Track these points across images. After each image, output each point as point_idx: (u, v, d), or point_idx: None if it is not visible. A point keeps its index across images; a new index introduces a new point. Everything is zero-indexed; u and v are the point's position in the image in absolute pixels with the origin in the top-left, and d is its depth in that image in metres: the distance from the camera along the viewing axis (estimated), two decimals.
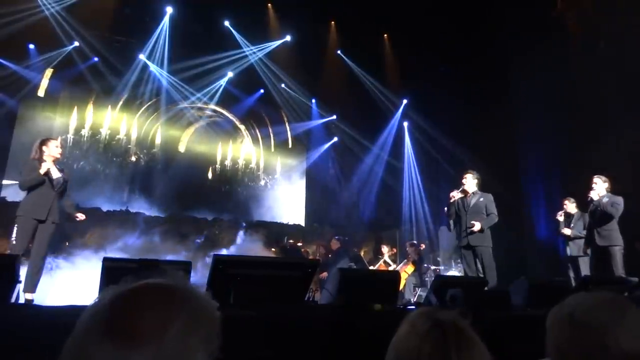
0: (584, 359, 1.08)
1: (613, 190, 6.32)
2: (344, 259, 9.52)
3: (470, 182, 6.24)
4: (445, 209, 7.04)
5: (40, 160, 5.08)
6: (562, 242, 7.43)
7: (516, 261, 8.68)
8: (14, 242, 4.86)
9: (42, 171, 4.98)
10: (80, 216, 5.57)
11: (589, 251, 6.52)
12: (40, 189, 5.02)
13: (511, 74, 10.71)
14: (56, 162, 5.25)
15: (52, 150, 5.20)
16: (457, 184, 6.53)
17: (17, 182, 5.13)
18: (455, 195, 6.36)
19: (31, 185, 4.97)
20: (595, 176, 6.37)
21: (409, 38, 11.35)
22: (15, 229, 4.91)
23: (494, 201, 6.22)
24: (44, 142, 5.21)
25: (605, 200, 6.18)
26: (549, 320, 1.18)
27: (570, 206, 7.27)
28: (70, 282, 6.78)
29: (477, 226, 5.93)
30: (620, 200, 6.13)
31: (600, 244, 6.13)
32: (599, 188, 6.31)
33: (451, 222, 7.06)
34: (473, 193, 6.22)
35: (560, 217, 7.29)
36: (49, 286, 6.46)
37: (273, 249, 10.52)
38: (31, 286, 4.75)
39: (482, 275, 5.80)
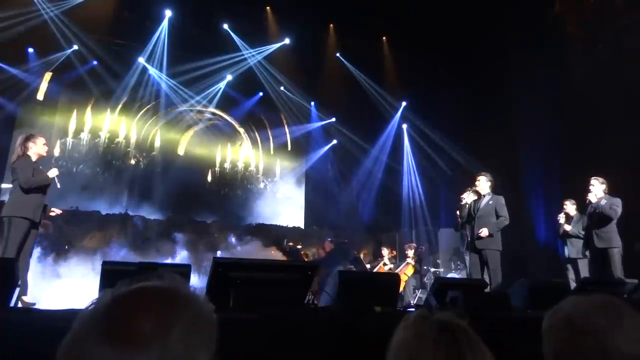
0: None
1: (612, 191, 6.31)
2: (338, 260, 9.50)
3: (483, 184, 6.18)
4: (457, 211, 7.01)
5: (26, 155, 4.96)
6: (561, 244, 7.42)
7: (516, 263, 8.66)
8: (6, 245, 4.66)
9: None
10: (57, 211, 5.38)
11: (587, 253, 6.51)
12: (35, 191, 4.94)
13: (510, 75, 10.72)
14: (41, 159, 5.18)
15: (40, 147, 5.09)
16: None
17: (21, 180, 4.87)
18: (466, 196, 6.29)
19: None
20: (593, 178, 6.34)
21: (408, 41, 11.37)
22: (9, 231, 4.71)
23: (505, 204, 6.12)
24: (29, 138, 5.08)
25: (603, 202, 6.15)
26: (545, 324, 1.17)
27: (570, 207, 7.21)
28: (69, 286, 6.79)
29: (484, 232, 5.85)
30: (618, 202, 6.11)
31: (598, 245, 6.10)
32: (597, 190, 6.28)
33: (459, 222, 7.03)
34: (484, 195, 6.17)
35: (562, 219, 7.27)
36: (48, 290, 6.47)
37: (272, 252, 10.51)
38: (23, 289, 4.64)
39: (485, 278, 5.76)
